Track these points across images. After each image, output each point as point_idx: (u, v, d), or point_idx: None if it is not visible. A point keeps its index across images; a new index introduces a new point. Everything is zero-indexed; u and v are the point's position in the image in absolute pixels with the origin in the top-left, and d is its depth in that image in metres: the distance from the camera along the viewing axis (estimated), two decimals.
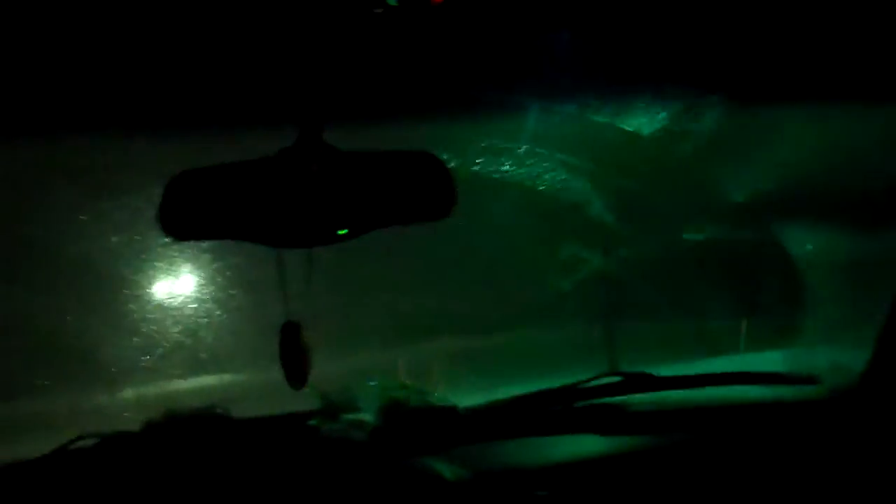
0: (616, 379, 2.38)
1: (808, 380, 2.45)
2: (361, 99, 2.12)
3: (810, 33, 2.45)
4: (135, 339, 2.50)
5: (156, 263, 2.44)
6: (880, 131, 2.61)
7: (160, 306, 2.51)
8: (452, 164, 1.85)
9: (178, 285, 2.52)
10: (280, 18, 2.00)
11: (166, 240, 2.02)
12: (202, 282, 2.49)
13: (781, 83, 2.52)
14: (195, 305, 2.54)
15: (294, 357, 2.01)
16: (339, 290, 2.25)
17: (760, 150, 2.68)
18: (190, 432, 2.18)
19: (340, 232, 1.83)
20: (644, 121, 2.58)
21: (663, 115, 2.62)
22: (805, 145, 2.66)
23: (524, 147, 2.47)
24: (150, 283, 2.50)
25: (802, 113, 2.60)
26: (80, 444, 2.13)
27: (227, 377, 2.56)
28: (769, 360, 2.66)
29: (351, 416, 2.26)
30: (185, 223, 1.84)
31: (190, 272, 2.48)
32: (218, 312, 2.53)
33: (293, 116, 1.83)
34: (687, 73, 2.52)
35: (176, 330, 2.53)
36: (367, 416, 2.24)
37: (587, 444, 2.21)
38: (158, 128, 2.14)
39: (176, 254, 2.45)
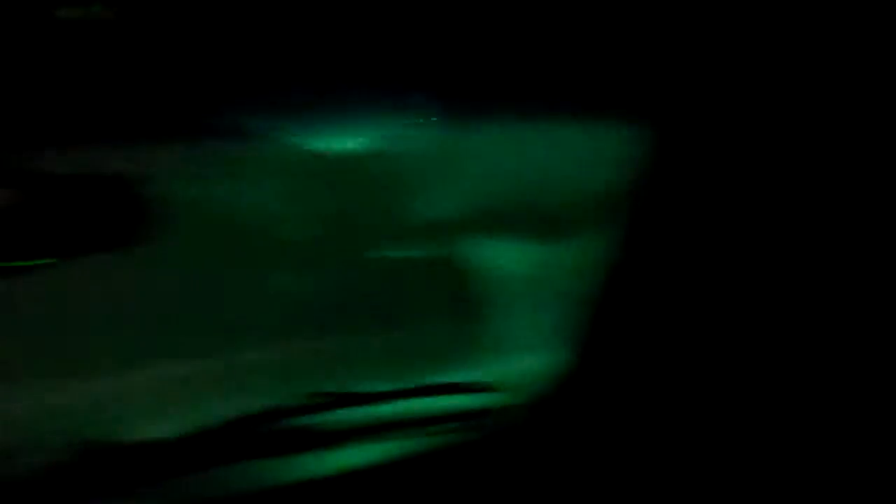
0: (311, 400, 2.44)
1: (490, 388, 2.58)
2: (49, 120, 2.04)
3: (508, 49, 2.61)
4: None
5: None
6: (567, 148, 2.83)
7: None
8: (151, 189, 1.82)
9: None
10: None
11: None
12: None
13: (477, 101, 2.68)
14: None
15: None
16: (32, 322, 2.13)
17: (452, 170, 2.83)
18: None
19: (34, 260, 1.77)
20: (343, 141, 2.67)
21: (362, 135, 2.71)
22: (497, 161, 2.83)
23: (222, 171, 2.47)
24: None
25: (497, 130, 2.77)
26: None
27: None
28: (463, 372, 2.77)
29: (44, 455, 2.16)
30: None
31: None
32: None
33: None
34: (385, 91, 2.62)
35: None
36: (61, 454, 2.15)
37: (297, 465, 2.25)
38: None
39: None
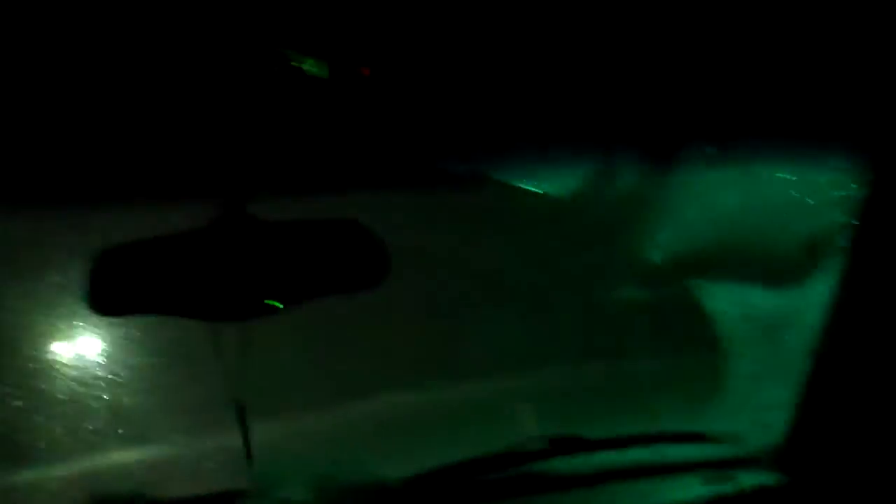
0: (544, 444, 2.38)
1: (732, 438, 2.47)
2: (290, 169, 2.13)
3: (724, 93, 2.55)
4: (61, 418, 2.41)
5: (82, 340, 2.38)
6: (794, 189, 2.72)
7: (86, 384, 2.42)
8: (383, 234, 1.85)
9: (104, 362, 2.45)
10: (207, 86, 2.00)
11: (93, 316, 1.96)
12: (127, 356, 2.43)
13: (695, 142, 2.62)
14: (122, 381, 2.47)
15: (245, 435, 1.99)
16: (273, 361, 2.22)
17: (675, 209, 2.77)
18: None
19: (270, 303, 1.81)
20: (562, 183, 2.66)
21: (579, 176, 2.69)
22: (722, 203, 2.75)
23: (446, 213, 2.51)
24: (77, 362, 2.42)
25: (717, 172, 2.70)
26: None
27: (157, 455, 2.48)
28: (691, 420, 2.68)
29: (281, 495, 2.21)
30: (111, 299, 1.80)
31: (115, 347, 2.42)
32: (146, 388, 2.47)
33: (218, 188, 1.82)
34: (601, 134, 2.60)
35: (103, 407, 2.45)
36: (297, 494, 2.20)
37: None
38: (78, 202, 2.10)
39: (102, 329, 2.39)
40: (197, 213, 1.79)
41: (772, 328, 2.76)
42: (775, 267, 2.81)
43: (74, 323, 2.29)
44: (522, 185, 2.62)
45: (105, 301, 1.79)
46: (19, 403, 2.33)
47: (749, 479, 2.30)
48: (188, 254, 1.80)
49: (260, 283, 1.80)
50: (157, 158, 2.12)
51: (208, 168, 1.98)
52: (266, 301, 1.80)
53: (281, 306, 1.82)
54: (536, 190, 2.66)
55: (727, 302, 2.83)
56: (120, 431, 2.51)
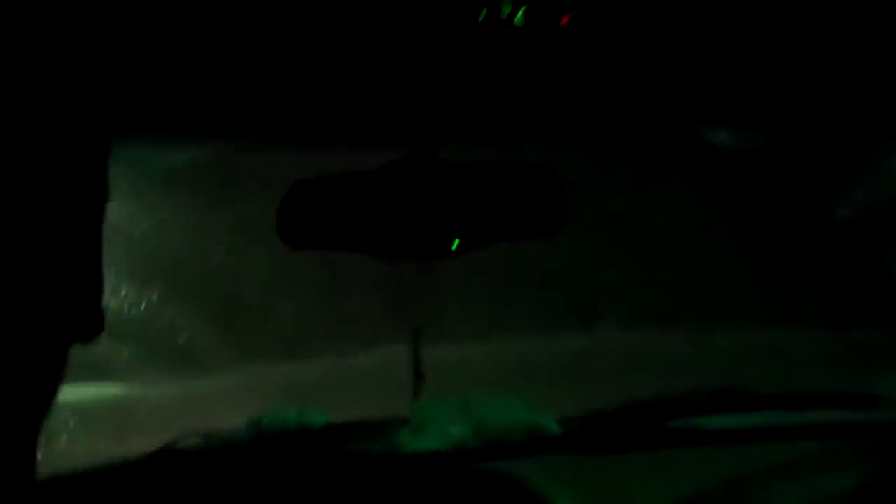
0: (706, 396, 2.35)
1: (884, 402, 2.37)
2: (481, 116, 2.13)
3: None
4: (238, 334, 2.55)
5: (266, 267, 2.49)
6: None
7: (269, 306, 2.54)
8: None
9: (284, 287, 2.56)
10: (403, 31, 2.01)
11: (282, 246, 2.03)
12: (310, 285, 2.53)
13: None
14: (300, 300, 2.57)
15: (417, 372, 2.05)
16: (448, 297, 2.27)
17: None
18: (288, 435, 2.21)
19: (454, 246, 1.84)
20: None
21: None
22: None
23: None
24: (258, 286, 2.53)
25: None
26: (187, 442, 2.16)
27: (323, 373, 2.58)
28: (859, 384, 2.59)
29: (440, 429, 2.27)
30: (300, 232, 1.86)
31: (299, 274, 2.52)
32: (321, 309, 2.57)
33: (408, 128, 1.84)
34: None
35: (277, 325, 2.56)
36: (456, 431, 2.24)
37: (686, 462, 2.18)
38: (273, 137, 2.16)
39: (288, 259, 2.48)
40: (384, 151, 1.83)
41: None
42: None
43: (262, 250, 2.40)
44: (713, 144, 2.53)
45: (293, 233, 1.86)
46: (202, 322, 2.47)
47: None
48: (373, 192, 1.84)
49: (442, 224, 1.83)
50: (351, 98, 2.16)
51: (403, 111, 2.01)
52: (447, 242, 1.83)
53: (459, 246, 1.84)
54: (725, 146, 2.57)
55: None
56: (291, 346, 2.64)
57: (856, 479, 2.03)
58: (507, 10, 1.92)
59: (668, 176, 2.54)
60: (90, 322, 1.07)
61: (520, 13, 1.92)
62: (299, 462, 2.12)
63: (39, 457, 1.00)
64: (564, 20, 1.99)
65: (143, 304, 2.49)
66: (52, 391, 1.04)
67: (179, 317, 2.60)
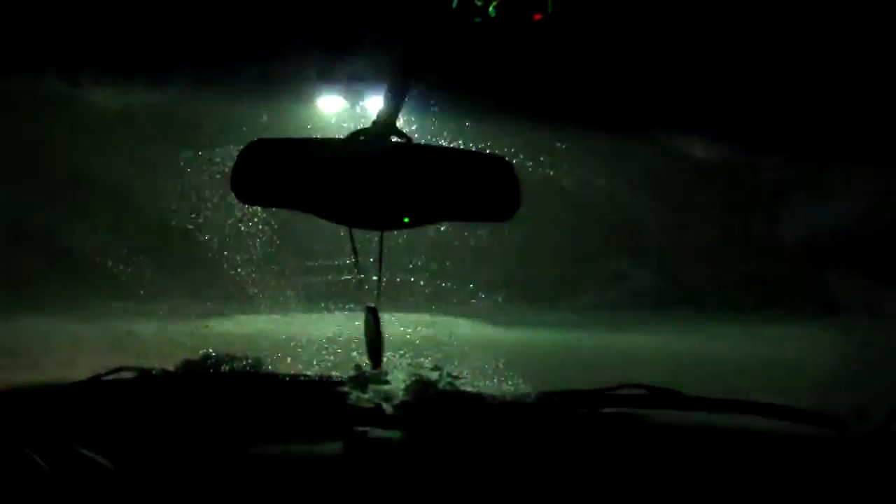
0: (641, 391, 2.40)
1: (835, 423, 2.43)
2: (449, 96, 2.13)
3: None
4: (191, 278, 2.56)
5: (222, 213, 2.49)
6: None
7: (218, 252, 2.55)
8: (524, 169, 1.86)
9: (240, 235, 2.55)
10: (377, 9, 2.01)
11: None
12: (266, 234, 2.53)
13: None
14: (253, 254, 2.58)
15: (373, 338, 2.08)
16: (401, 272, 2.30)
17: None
18: (223, 377, 2.25)
19: (405, 220, 1.86)
20: None
21: None
22: None
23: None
24: (214, 231, 2.54)
25: None
26: (121, 375, 2.20)
27: (272, 327, 2.62)
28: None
29: (380, 388, 2.32)
30: (253, 189, 1.88)
31: (254, 223, 2.51)
32: (274, 267, 2.58)
33: (373, 100, 1.85)
34: None
35: (230, 274, 2.57)
36: (395, 391, 2.29)
37: (607, 451, 2.24)
38: (240, 94, 2.16)
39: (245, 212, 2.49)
40: (348, 121, 1.84)
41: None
42: None
43: (220, 197, 2.40)
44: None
45: (246, 188, 1.87)
46: (154, 259, 2.49)
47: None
48: (333, 158, 1.85)
49: (396, 197, 1.85)
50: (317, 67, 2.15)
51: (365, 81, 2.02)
52: (399, 215, 1.85)
53: (409, 221, 1.86)
54: None
55: None
56: (245, 300, 2.66)
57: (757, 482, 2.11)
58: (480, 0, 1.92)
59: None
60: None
61: (492, 5, 1.93)
62: (229, 404, 2.17)
63: None
64: (537, 16, 1.99)
65: (86, 240, 2.51)
66: None
67: (124, 255, 2.61)
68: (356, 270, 2.09)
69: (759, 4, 2.37)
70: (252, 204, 1.96)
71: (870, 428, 2.40)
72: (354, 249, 2.02)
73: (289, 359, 2.50)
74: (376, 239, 2.00)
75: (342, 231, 1.97)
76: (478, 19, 1.99)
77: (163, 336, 2.60)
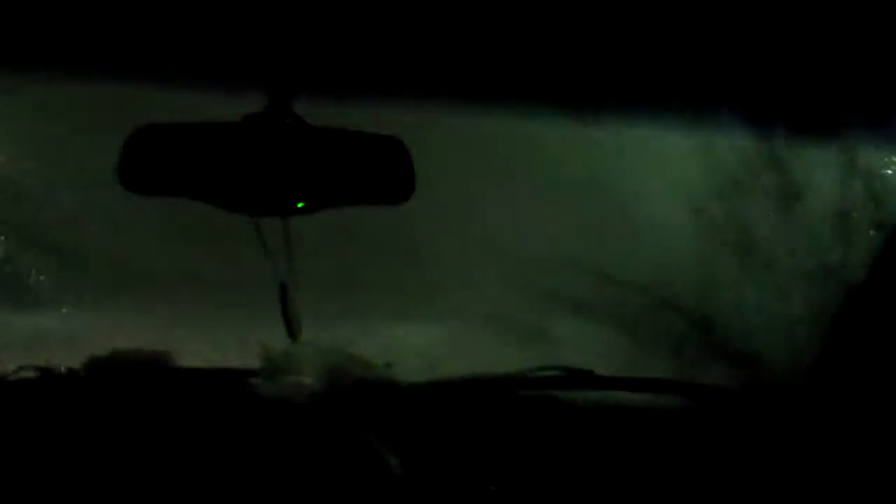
0: (558, 373, 2.40)
1: (747, 393, 2.47)
2: (339, 76, 2.10)
3: None
4: (90, 272, 2.50)
5: (112, 208, 2.43)
6: None
7: (115, 245, 2.50)
8: (425, 154, 1.84)
9: (133, 229, 2.51)
10: None
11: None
12: (161, 227, 2.48)
13: None
14: (150, 246, 2.54)
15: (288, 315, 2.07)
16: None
17: None
18: (131, 375, 2.20)
19: (298, 205, 1.83)
20: None
21: None
22: None
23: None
24: (108, 225, 2.49)
25: None
26: (22, 374, 2.14)
27: (177, 322, 2.57)
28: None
29: (291, 378, 2.29)
30: (141, 177, 1.83)
31: (146, 217, 2.47)
32: (173, 258, 2.54)
33: (265, 83, 1.82)
34: None
35: (131, 266, 2.53)
36: (307, 380, 2.27)
37: (527, 435, 2.24)
38: (123, 78, 2.10)
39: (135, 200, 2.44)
40: (238, 104, 1.80)
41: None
42: None
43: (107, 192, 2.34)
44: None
45: (135, 178, 1.82)
46: (53, 256, 2.43)
47: None
48: (222, 143, 1.81)
49: (288, 182, 1.82)
50: (204, 46, 2.11)
51: (256, 61, 1.98)
52: (292, 201, 1.83)
53: (303, 206, 1.84)
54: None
55: None
56: (149, 293, 2.61)
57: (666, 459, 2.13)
58: None
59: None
60: None
61: None
62: (139, 401, 2.13)
63: None
64: None
65: None
66: None
67: (23, 251, 2.55)
68: (265, 255, 2.06)
69: None
70: (141, 193, 1.91)
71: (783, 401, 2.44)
72: (259, 234, 1.98)
73: (203, 349, 2.46)
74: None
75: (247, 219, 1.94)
76: None
77: (65, 333, 2.55)
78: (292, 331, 2.26)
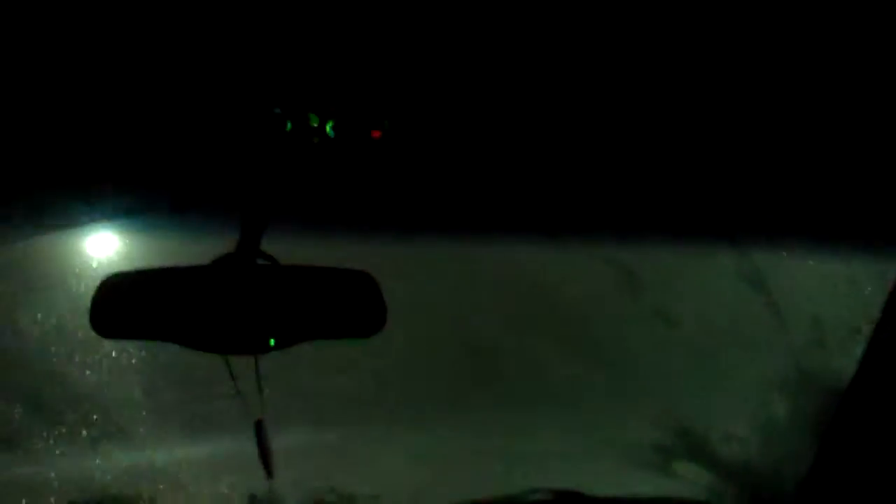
0: (547, 496, 2.38)
1: None
2: (306, 215, 2.14)
3: None
4: (68, 421, 2.47)
5: (86, 352, 2.43)
6: None
7: (90, 391, 2.48)
8: (391, 286, 1.85)
9: (110, 378, 2.49)
10: (229, 133, 2.01)
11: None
12: (130, 366, 2.47)
13: None
14: (122, 389, 2.51)
15: (264, 451, 2.06)
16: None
17: None
18: None
19: (270, 342, 1.83)
20: None
21: None
22: None
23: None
24: (83, 368, 2.47)
25: None
26: None
27: (158, 461, 2.53)
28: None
29: None
30: (114, 322, 1.83)
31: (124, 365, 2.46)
32: (144, 402, 2.51)
33: (234, 224, 1.84)
34: None
35: (110, 412, 2.50)
36: None
37: None
38: (97, 224, 2.13)
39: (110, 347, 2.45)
40: (207, 247, 1.81)
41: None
42: None
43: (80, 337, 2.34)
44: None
45: (107, 323, 1.82)
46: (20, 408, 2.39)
47: None
48: (192, 286, 1.82)
49: (258, 321, 1.82)
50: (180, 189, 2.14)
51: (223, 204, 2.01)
52: (263, 339, 1.82)
53: (274, 343, 1.83)
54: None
55: None
56: (126, 437, 2.57)
57: None
58: (315, 121, 1.93)
59: None
60: None
61: (328, 125, 1.94)
62: None
63: None
64: (376, 134, 2.02)
65: None
66: None
67: None
68: (237, 394, 2.05)
69: None
70: (114, 338, 1.90)
71: None
72: (231, 374, 1.98)
73: (182, 492, 2.41)
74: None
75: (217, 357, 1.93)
76: (316, 139, 2.00)
77: (41, 481, 2.49)
78: (269, 470, 2.22)
